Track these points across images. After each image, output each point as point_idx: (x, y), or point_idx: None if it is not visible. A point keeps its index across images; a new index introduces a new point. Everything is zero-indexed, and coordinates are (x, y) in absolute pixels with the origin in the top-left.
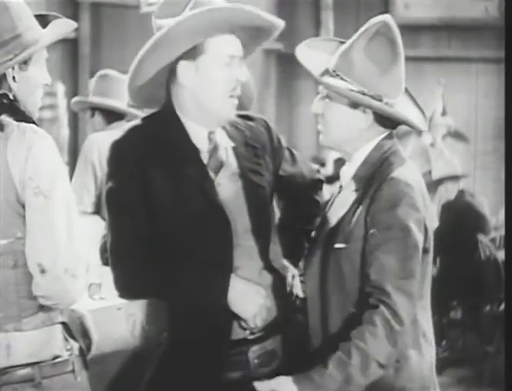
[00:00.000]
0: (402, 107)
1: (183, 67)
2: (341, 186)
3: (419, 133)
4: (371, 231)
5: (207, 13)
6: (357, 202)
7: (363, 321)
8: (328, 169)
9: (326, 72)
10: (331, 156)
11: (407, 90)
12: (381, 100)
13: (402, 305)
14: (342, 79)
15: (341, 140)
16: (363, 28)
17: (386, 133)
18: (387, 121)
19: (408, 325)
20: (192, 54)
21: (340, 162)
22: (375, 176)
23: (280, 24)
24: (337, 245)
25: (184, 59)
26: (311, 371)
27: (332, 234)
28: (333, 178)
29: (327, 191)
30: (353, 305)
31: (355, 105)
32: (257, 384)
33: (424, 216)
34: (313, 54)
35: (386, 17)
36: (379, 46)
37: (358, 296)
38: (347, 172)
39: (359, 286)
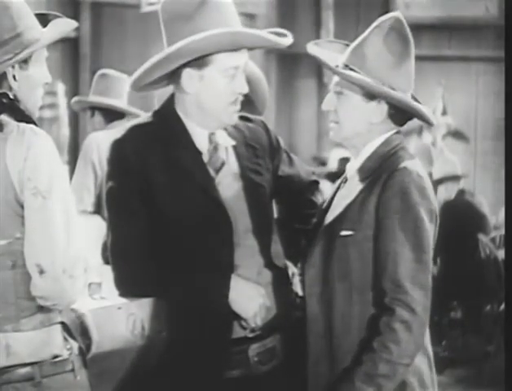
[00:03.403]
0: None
1: (188, 74)
2: (346, 179)
3: (419, 133)
4: (384, 219)
5: (227, 35)
6: (365, 191)
7: (381, 329)
8: (332, 167)
9: (337, 67)
10: (334, 155)
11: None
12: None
13: (418, 301)
14: (353, 72)
15: (353, 134)
16: (375, 24)
17: (394, 130)
18: (399, 116)
19: (423, 316)
20: (198, 63)
21: (345, 161)
22: (384, 167)
23: (289, 42)
24: (344, 232)
25: (189, 66)
26: (340, 387)
27: (337, 222)
28: (336, 176)
29: (330, 189)
30: (358, 293)
31: (370, 97)
32: None
33: (436, 207)
34: (323, 52)
35: (398, 14)
36: (392, 41)
37: (373, 292)
38: (354, 164)
39: (374, 277)
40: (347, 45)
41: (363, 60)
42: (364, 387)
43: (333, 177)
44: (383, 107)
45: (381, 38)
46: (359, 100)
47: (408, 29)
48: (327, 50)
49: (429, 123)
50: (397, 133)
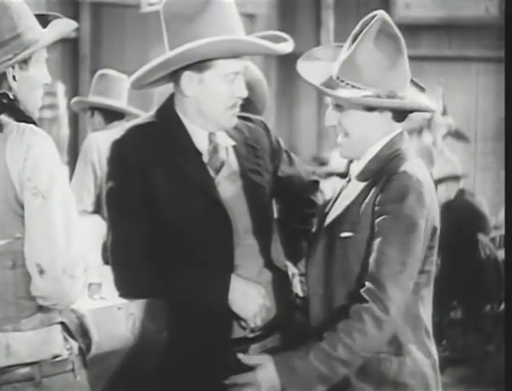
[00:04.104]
0: (411, 95)
1: (187, 77)
2: (349, 179)
3: (419, 133)
4: (377, 220)
5: (228, 43)
6: (365, 192)
7: (350, 314)
8: (334, 167)
9: (331, 81)
10: (335, 155)
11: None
12: (394, 97)
13: (394, 301)
14: (352, 86)
15: (364, 142)
16: (363, 31)
17: (398, 130)
18: (400, 115)
19: (395, 317)
20: (198, 67)
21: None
22: (385, 169)
23: (289, 49)
24: (344, 234)
25: (189, 69)
26: (293, 356)
27: (337, 223)
28: (346, 175)
29: (331, 189)
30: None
31: (370, 109)
32: (241, 356)
33: (432, 213)
34: (313, 66)
35: (382, 13)
36: (383, 44)
37: (355, 284)
38: (357, 165)
39: (359, 272)
40: (340, 46)
41: (357, 72)
42: (317, 365)
43: (338, 176)
44: (386, 114)
45: (372, 45)
46: (361, 113)
47: (394, 26)
48: (318, 60)
49: (430, 111)
50: (400, 134)
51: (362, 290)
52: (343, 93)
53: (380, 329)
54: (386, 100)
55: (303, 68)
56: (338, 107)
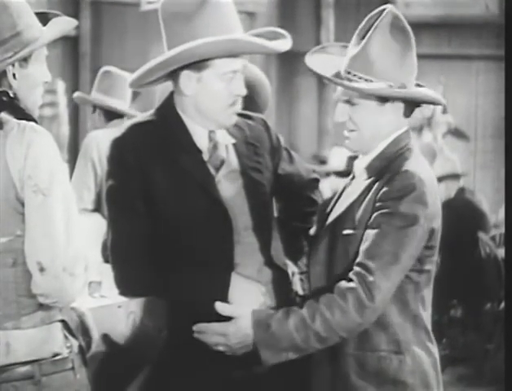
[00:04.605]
0: (415, 89)
1: (186, 76)
2: (353, 177)
3: (420, 131)
4: (375, 214)
5: (225, 43)
6: (367, 190)
7: (335, 290)
8: (335, 166)
9: (338, 75)
10: (334, 153)
11: None
12: (405, 88)
13: (381, 290)
14: (360, 78)
15: (373, 138)
16: (375, 24)
17: (404, 129)
18: (408, 108)
19: (378, 307)
20: (197, 66)
21: (353, 159)
22: (388, 168)
23: (287, 47)
24: (346, 231)
25: (188, 68)
26: (273, 316)
27: (340, 220)
28: (344, 173)
29: (329, 189)
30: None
31: (383, 100)
32: (218, 305)
33: (432, 213)
34: (321, 60)
35: (391, 7)
36: (394, 38)
37: (343, 271)
38: (361, 163)
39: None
40: (345, 46)
41: (369, 64)
42: (293, 332)
43: (342, 174)
44: (399, 106)
45: (385, 38)
46: (373, 105)
47: (404, 20)
48: (326, 54)
49: (439, 104)
50: (406, 132)
51: (351, 273)
52: (357, 85)
53: (361, 314)
54: (402, 90)
55: (312, 61)
56: (349, 102)
